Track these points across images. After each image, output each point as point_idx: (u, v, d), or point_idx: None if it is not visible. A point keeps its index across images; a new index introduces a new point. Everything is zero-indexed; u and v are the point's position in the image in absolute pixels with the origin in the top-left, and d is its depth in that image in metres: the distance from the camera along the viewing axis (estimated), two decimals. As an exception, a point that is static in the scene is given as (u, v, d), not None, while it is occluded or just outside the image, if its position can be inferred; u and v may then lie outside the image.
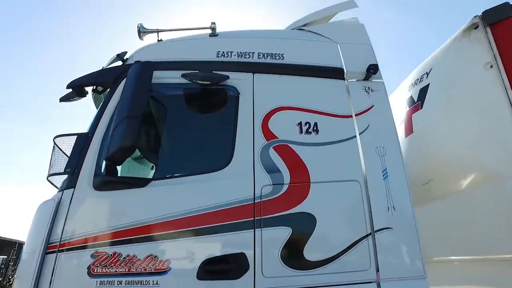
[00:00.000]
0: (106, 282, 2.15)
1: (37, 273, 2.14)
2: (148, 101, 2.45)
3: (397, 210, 2.59)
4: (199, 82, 2.67)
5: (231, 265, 2.27)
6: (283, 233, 2.37)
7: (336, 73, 3.00)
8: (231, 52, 2.92)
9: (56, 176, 2.50)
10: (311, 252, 2.37)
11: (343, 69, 3.02)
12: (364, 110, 2.88)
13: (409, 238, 2.55)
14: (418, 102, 4.36)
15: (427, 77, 4.35)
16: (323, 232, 2.43)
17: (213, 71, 2.74)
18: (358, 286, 2.36)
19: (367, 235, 2.47)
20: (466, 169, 3.75)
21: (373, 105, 2.91)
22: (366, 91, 2.96)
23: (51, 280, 2.15)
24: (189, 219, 2.32)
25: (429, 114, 4.19)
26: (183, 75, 2.65)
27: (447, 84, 4.09)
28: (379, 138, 2.80)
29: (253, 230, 2.34)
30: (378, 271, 2.40)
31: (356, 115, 2.85)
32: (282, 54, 2.98)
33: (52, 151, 2.55)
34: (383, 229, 2.51)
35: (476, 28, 3.59)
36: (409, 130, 4.49)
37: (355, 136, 2.77)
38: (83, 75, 2.80)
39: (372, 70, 2.93)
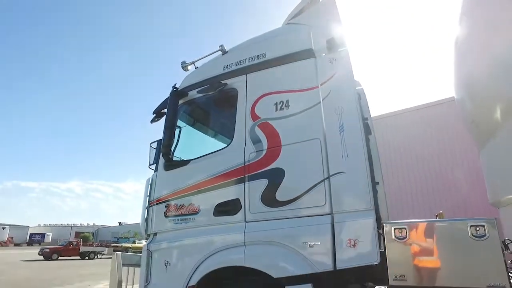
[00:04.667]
0: (171, 220, 3.85)
1: (144, 217, 4.05)
2: (176, 115, 3.99)
3: (349, 157, 3.15)
4: (206, 94, 4.01)
5: (231, 206, 3.52)
6: (262, 184, 3.43)
7: (308, 54, 3.67)
8: (231, 63, 4.08)
9: (152, 165, 4.38)
10: (281, 195, 3.33)
11: (312, 49, 3.65)
12: (328, 79, 3.48)
13: (360, 178, 3.08)
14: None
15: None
16: (289, 180, 3.33)
17: (221, 81, 4.01)
18: (317, 218, 3.15)
19: (324, 179, 3.19)
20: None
21: (335, 72, 3.45)
22: (331, 62, 3.51)
23: (151, 221, 4.01)
24: (208, 181, 3.71)
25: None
26: (197, 92, 4.06)
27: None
28: (339, 100, 3.36)
29: (243, 183, 3.51)
30: (332, 205, 3.10)
31: (321, 84, 3.49)
32: (265, 53, 3.90)
33: (150, 151, 4.45)
34: (337, 173, 3.16)
35: None
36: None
37: (320, 102, 3.43)
38: (159, 103, 4.61)
39: (329, 44, 3.46)
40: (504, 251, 2.65)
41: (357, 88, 4.54)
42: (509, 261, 3.37)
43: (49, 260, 28.25)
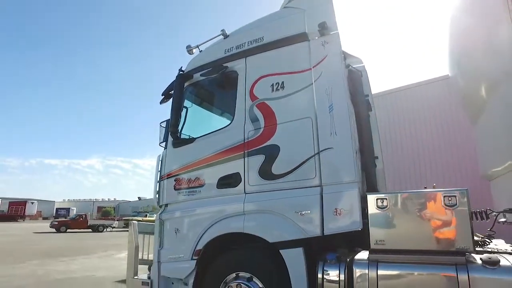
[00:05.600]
0: (179, 192, 4.26)
1: (156, 190, 4.49)
2: (182, 97, 4.32)
3: (338, 134, 3.43)
4: (209, 76, 4.29)
5: (232, 179, 3.89)
6: (260, 159, 3.76)
7: (302, 37, 3.88)
8: (232, 47, 4.33)
9: (162, 143, 4.76)
10: (276, 169, 3.66)
11: (306, 33, 3.85)
12: (320, 61, 3.70)
13: (346, 154, 3.37)
14: None
15: None
16: (284, 156, 3.65)
17: (222, 64, 4.27)
18: (308, 189, 3.48)
19: (314, 155, 3.49)
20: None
21: (326, 55, 3.67)
22: (323, 45, 3.72)
23: (163, 193, 4.44)
24: (212, 156, 4.07)
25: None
26: (201, 74, 4.35)
27: None
28: (329, 81, 3.59)
29: (243, 159, 3.86)
30: (321, 178, 3.42)
31: (313, 67, 3.72)
32: (263, 37, 4.13)
33: (160, 130, 4.82)
34: (326, 149, 3.45)
35: None
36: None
37: (312, 84, 3.68)
38: (167, 86, 4.92)
39: (321, 28, 3.65)
40: (472, 220, 2.92)
41: (358, 65, 4.74)
42: (489, 229, 3.68)
43: (59, 232, 31.02)
